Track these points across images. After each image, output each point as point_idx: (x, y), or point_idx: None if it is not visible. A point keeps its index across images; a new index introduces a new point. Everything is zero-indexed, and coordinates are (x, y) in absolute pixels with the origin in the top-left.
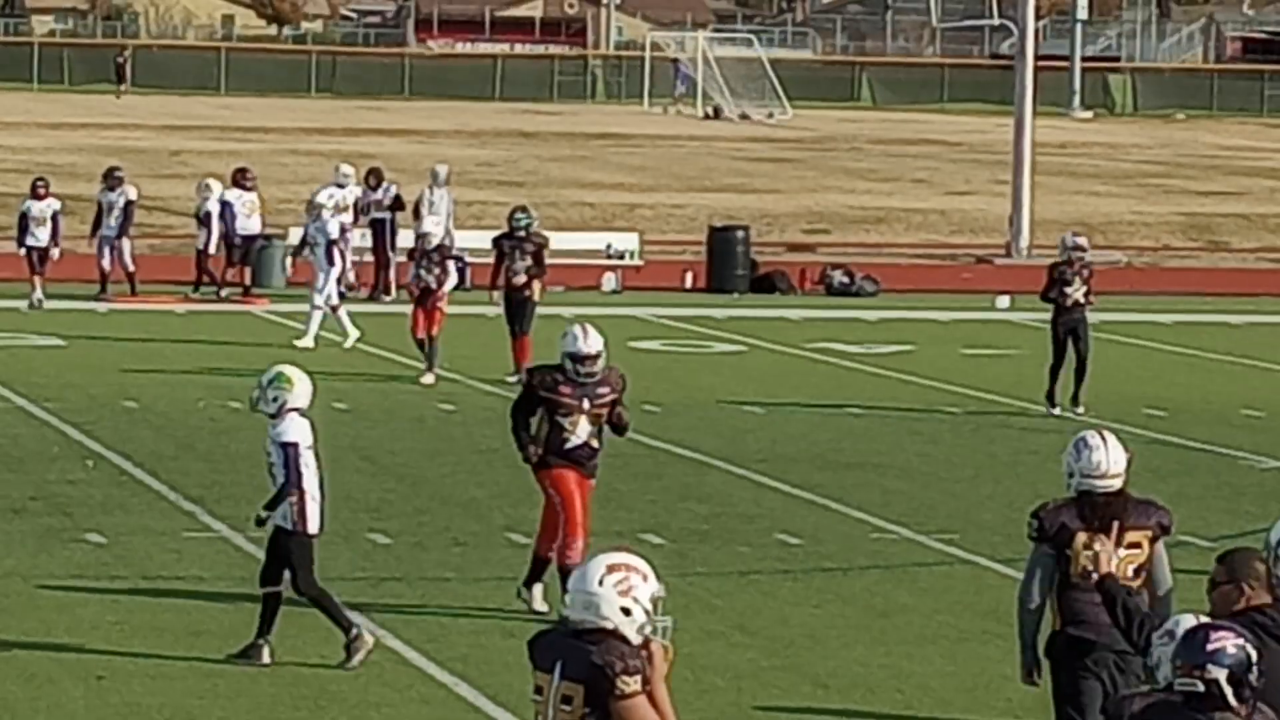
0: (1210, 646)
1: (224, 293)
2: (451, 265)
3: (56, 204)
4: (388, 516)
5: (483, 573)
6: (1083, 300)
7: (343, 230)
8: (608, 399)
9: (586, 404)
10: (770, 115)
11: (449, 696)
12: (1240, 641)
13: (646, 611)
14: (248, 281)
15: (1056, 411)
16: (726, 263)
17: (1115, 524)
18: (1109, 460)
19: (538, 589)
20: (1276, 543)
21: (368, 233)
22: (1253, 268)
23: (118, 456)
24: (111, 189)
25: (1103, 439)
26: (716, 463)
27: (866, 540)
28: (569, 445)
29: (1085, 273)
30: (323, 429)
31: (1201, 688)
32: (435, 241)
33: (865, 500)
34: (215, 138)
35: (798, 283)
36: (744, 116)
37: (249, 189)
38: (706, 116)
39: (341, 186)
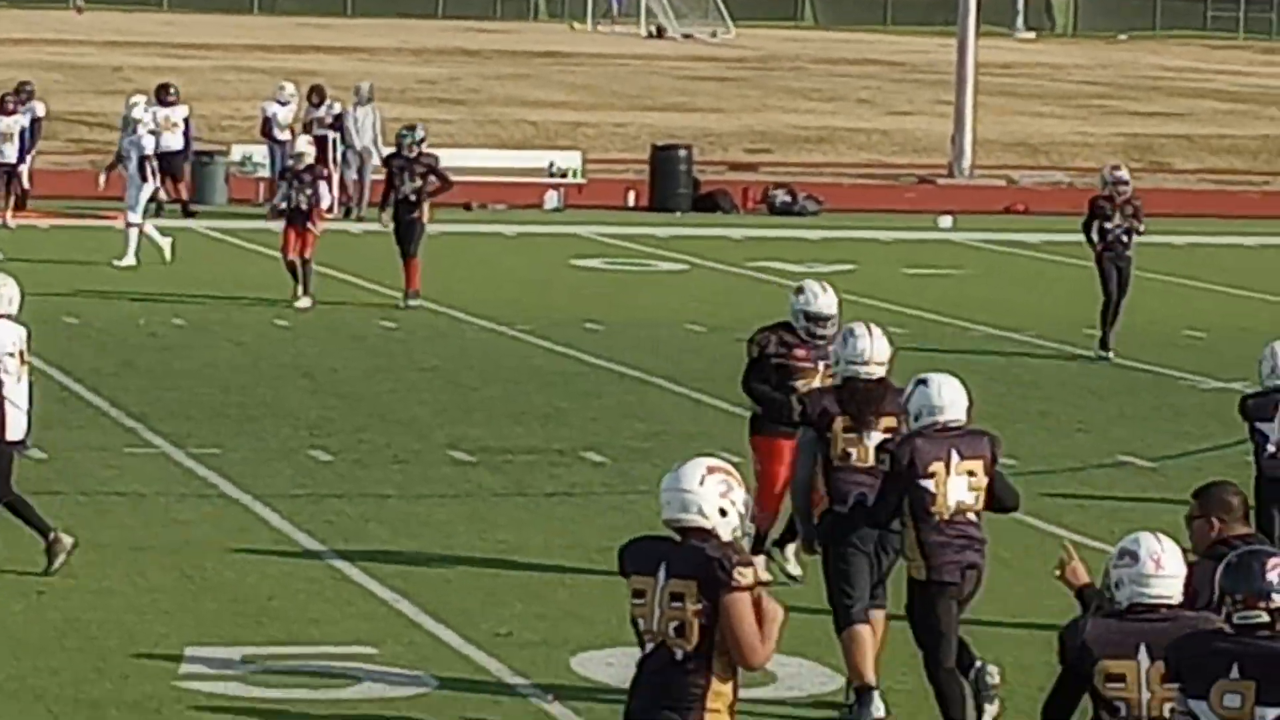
0: (1270, 575)
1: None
2: (323, 186)
3: (24, 119)
4: (328, 434)
5: (423, 490)
6: (1125, 238)
7: (155, 147)
8: None
9: (820, 365)
10: (713, 34)
11: (389, 613)
12: None
13: (740, 516)
14: (184, 196)
15: (1110, 357)
16: (669, 181)
17: (873, 410)
18: (873, 349)
19: (790, 548)
20: None
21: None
22: (1195, 189)
23: (58, 373)
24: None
25: (868, 329)
26: (658, 381)
27: None
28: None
29: (1128, 208)
30: (263, 346)
31: (1267, 618)
32: (307, 161)
33: None
34: (158, 54)
35: (740, 202)
36: (687, 36)
37: (171, 104)
38: (649, 35)
39: (284, 104)
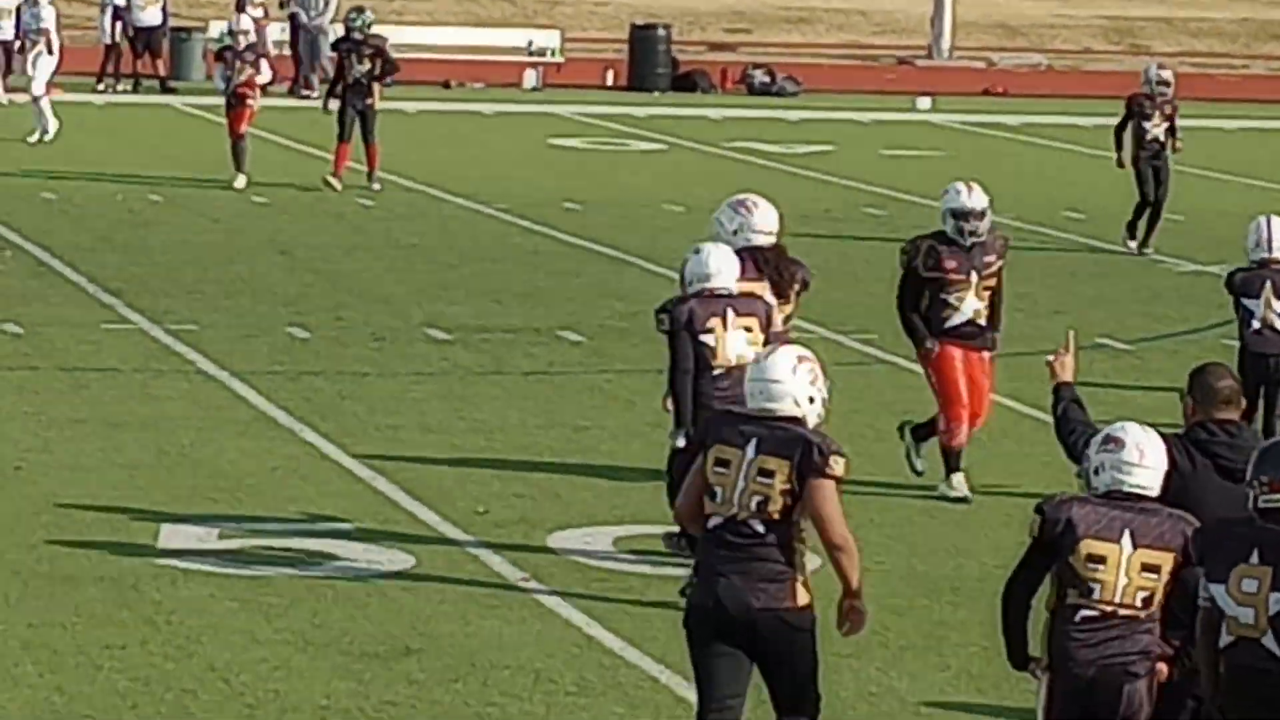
0: None
1: (119, 85)
2: (265, 64)
3: None
4: (306, 311)
5: (401, 368)
6: (1163, 138)
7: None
8: (995, 268)
9: (974, 276)
10: None
11: (366, 490)
12: None
13: (824, 403)
14: (162, 73)
15: (1133, 246)
16: (648, 61)
17: (785, 276)
18: (770, 219)
19: (956, 478)
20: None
21: (286, 26)
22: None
23: (36, 248)
24: None
25: (757, 202)
26: (635, 260)
27: None
28: (951, 322)
29: (1167, 109)
30: (241, 223)
31: None
32: (248, 40)
33: None
34: None
35: (719, 82)
36: None
37: None
38: None
39: None
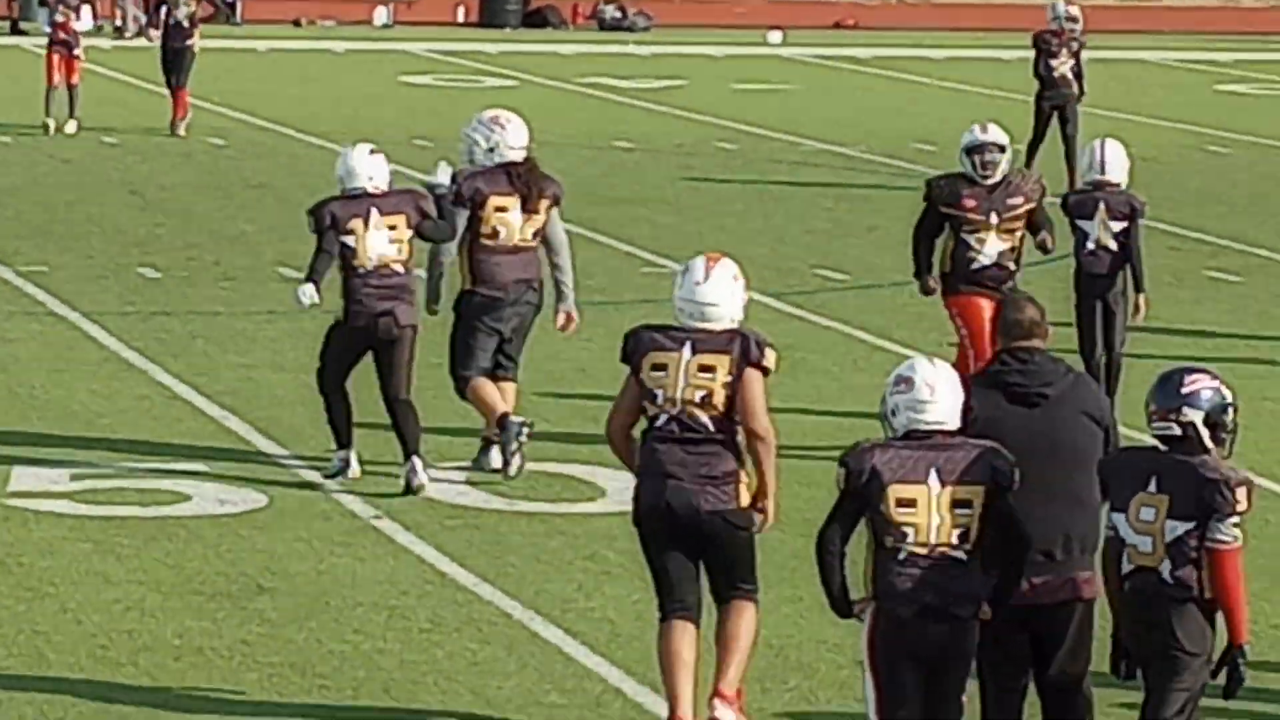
0: (1185, 390)
1: None
2: (86, 9)
3: None
4: (157, 251)
5: (253, 306)
6: (1070, 75)
7: None
8: (1021, 211)
9: (994, 217)
10: None
11: (219, 430)
12: (1216, 385)
13: (744, 291)
14: (14, 14)
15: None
16: None
17: (536, 191)
18: (522, 135)
19: None
20: None
21: None
22: (1021, 3)
23: None
24: None
25: (509, 118)
26: None
27: (637, 275)
28: (976, 265)
29: (1075, 45)
30: (90, 164)
31: (1178, 431)
32: None
33: (636, 234)
34: None
35: (570, 17)
36: None
37: None
38: None
39: None
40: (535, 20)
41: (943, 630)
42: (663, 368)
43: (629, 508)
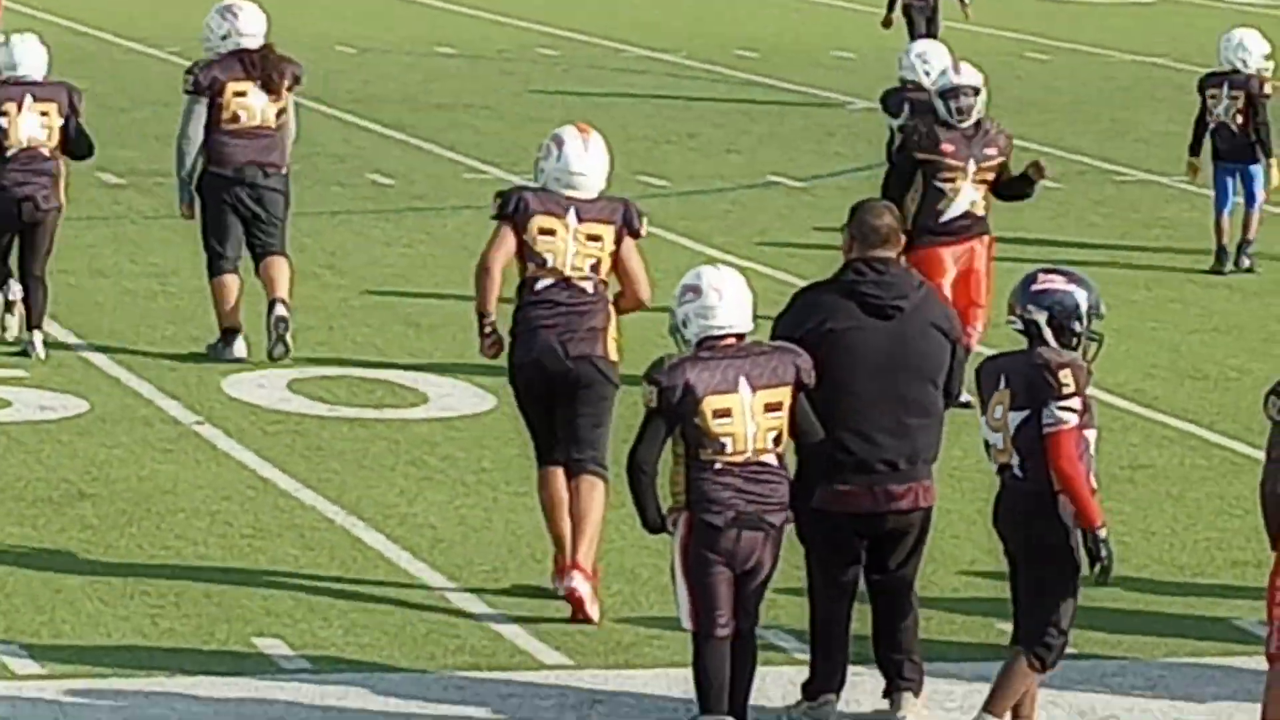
0: (1035, 288)
1: None
2: None
3: None
4: None
5: (72, 213)
6: None
7: None
8: (995, 164)
9: (972, 165)
10: None
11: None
12: (1070, 288)
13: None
14: None
15: None
16: None
17: (275, 75)
18: (255, 22)
19: None
20: None
21: None
22: None
23: None
24: None
25: (243, 6)
26: (307, 103)
27: (459, 181)
28: (946, 216)
29: None
30: None
31: (1021, 326)
32: None
33: (458, 141)
34: None
35: None
36: None
37: None
38: None
39: None
40: None
41: (755, 537)
42: (550, 233)
43: (451, 413)
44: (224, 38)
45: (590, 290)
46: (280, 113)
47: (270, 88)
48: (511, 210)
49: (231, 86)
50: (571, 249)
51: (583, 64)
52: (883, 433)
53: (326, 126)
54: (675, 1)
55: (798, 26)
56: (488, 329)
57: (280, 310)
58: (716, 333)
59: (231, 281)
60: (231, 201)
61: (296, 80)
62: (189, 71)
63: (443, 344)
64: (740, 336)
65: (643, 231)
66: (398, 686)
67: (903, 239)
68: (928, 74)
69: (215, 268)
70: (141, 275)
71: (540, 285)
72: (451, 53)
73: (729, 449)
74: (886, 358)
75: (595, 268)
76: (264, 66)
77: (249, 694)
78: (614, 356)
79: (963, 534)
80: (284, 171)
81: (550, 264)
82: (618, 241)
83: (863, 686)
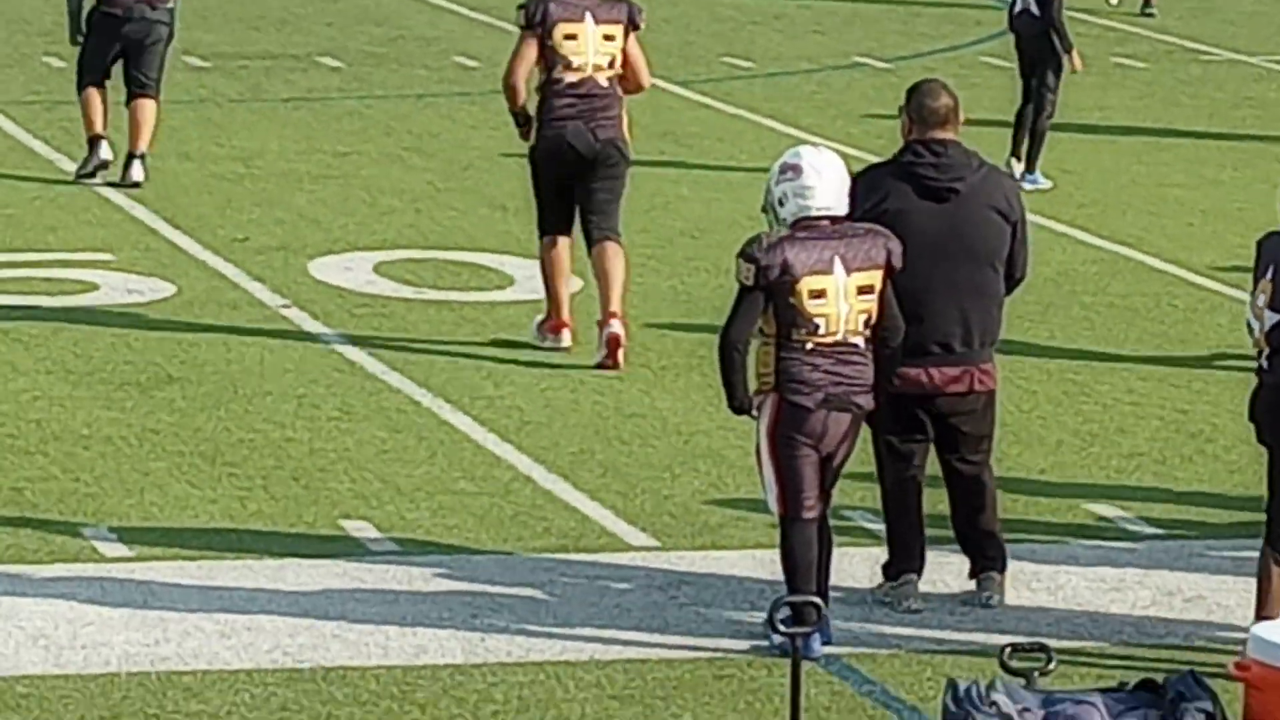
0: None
1: None
2: None
3: None
4: (60, 41)
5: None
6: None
7: None
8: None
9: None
10: None
11: (125, 219)
12: None
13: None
14: None
15: (1154, 13)
16: None
17: None
18: None
19: None
20: None
21: None
22: None
23: None
24: None
25: None
26: None
27: None
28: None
29: None
30: None
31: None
32: None
33: None
34: None
35: None
36: None
37: None
38: None
39: None
40: None
41: (843, 419)
42: (574, 37)
43: (536, 296)
44: None
45: (606, 83)
46: None
47: None
48: (538, 20)
49: None
50: (592, 48)
51: None
52: (938, 315)
53: (412, 10)
54: None
55: None
56: (522, 119)
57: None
58: (814, 213)
59: (94, 95)
60: (109, 32)
61: None
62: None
63: (528, 227)
64: (836, 219)
65: (642, 25)
66: (485, 569)
67: (962, 119)
68: None
69: (84, 84)
70: (226, 159)
71: (567, 81)
72: None
73: (822, 330)
74: (942, 240)
75: (611, 63)
76: None
77: (336, 576)
78: (628, 138)
79: (1049, 415)
80: (160, 6)
81: (576, 64)
82: (625, 36)
83: (949, 568)
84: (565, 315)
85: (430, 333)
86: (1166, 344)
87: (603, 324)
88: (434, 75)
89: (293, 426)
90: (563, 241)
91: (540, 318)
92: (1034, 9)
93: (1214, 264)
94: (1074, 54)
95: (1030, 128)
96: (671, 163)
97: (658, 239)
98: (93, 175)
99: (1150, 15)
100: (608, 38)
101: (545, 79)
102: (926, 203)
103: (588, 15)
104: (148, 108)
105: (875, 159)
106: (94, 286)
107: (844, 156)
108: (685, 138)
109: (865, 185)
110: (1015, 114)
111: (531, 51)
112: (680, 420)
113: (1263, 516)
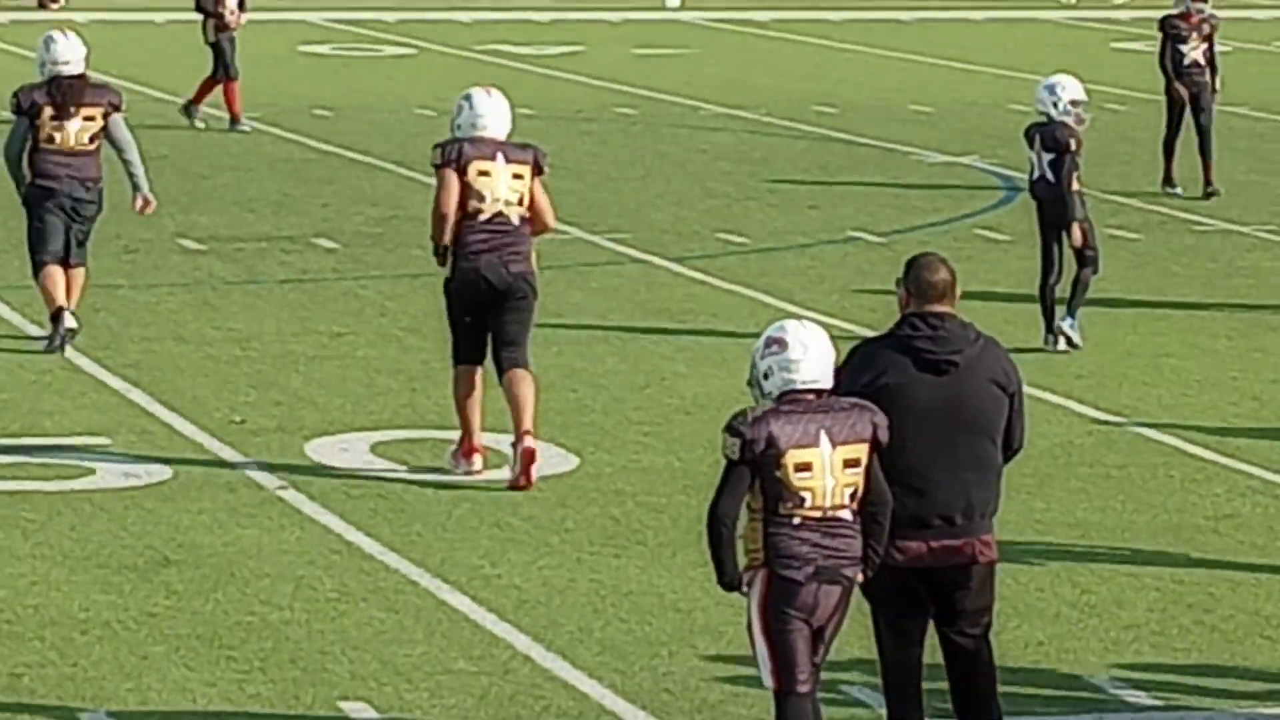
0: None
1: None
2: None
3: None
4: None
5: (154, 279)
6: (1203, 61)
7: None
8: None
9: (502, 160)
10: None
11: (121, 403)
12: None
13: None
14: None
15: (1179, 192)
16: None
17: (75, 102)
18: (71, 51)
19: None
20: None
21: None
22: None
23: None
24: None
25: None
26: (388, 166)
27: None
28: None
29: (1205, 28)
30: None
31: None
32: None
33: None
34: None
35: None
36: None
37: None
38: None
39: None
40: None
41: (834, 591)
42: (487, 174)
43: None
44: (40, 65)
45: (518, 219)
46: (93, 136)
47: (68, 114)
48: (454, 158)
49: (46, 110)
50: (505, 185)
51: (661, 122)
52: (939, 488)
53: (406, 190)
54: (754, 59)
55: (874, 81)
56: (441, 250)
57: (69, 321)
58: (799, 386)
59: (55, 271)
60: (52, 207)
61: (114, 107)
62: (14, 95)
63: None
64: (821, 392)
65: (546, 170)
66: None
67: (959, 292)
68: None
69: (38, 263)
70: (222, 341)
71: (481, 217)
72: (530, 113)
73: (808, 503)
74: (941, 414)
75: (520, 200)
76: (65, 93)
77: None
78: (536, 271)
79: (1047, 587)
80: (95, 185)
81: (489, 199)
82: (532, 178)
83: None
84: (477, 441)
85: (427, 512)
86: (1163, 514)
87: (516, 443)
88: (429, 255)
89: (290, 608)
90: (475, 370)
91: (454, 446)
92: (1049, 175)
93: (1210, 433)
94: (1075, 227)
95: (1074, 281)
96: (667, 339)
97: (654, 416)
98: (62, 348)
99: (1213, 195)
100: (517, 176)
101: (461, 215)
102: (926, 376)
103: (499, 154)
104: (81, 275)
105: (869, 333)
106: (90, 471)
107: (837, 330)
108: (680, 314)
109: (862, 359)
110: (1038, 287)
111: (455, 184)
112: (678, 596)
113: (1260, 686)
